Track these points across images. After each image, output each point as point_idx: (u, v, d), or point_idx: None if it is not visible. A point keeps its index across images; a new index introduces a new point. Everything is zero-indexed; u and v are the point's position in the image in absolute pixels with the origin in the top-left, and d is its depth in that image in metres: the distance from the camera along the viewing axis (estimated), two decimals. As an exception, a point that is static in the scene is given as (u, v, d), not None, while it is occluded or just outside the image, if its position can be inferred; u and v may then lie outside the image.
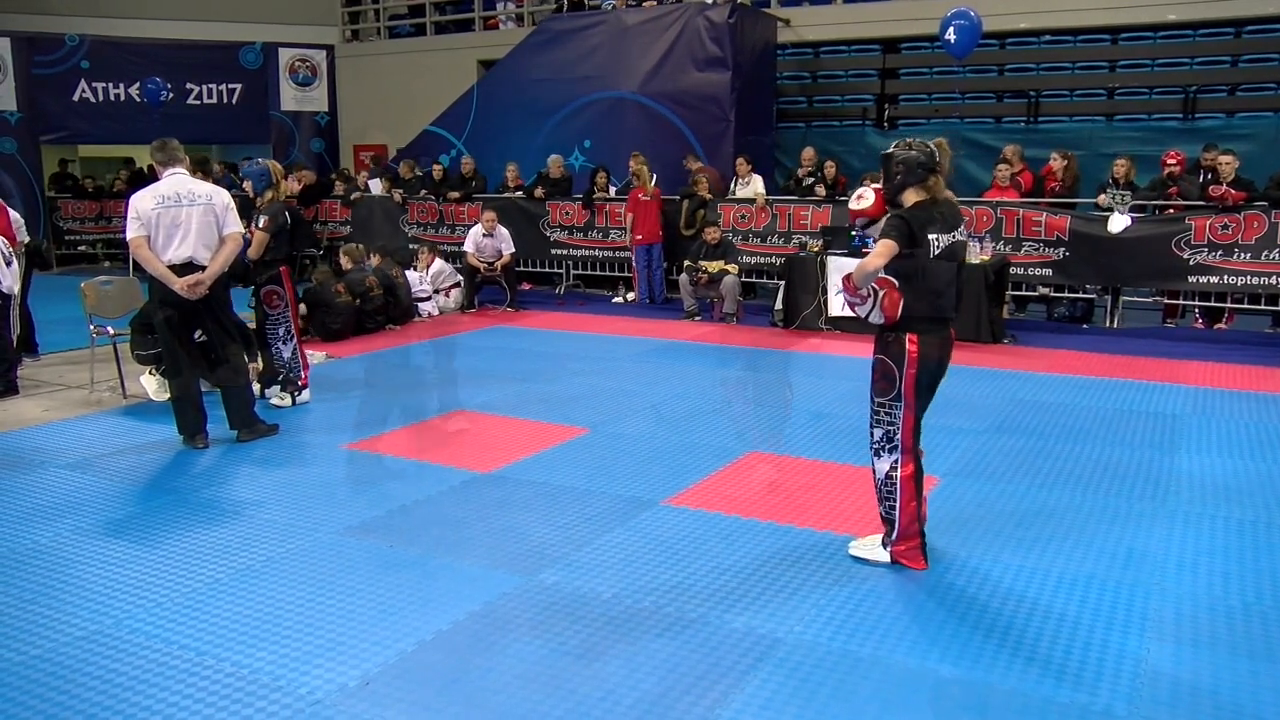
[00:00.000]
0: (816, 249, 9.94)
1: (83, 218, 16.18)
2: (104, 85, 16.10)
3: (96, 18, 16.33)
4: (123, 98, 16.13)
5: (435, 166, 13.83)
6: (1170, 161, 9.72)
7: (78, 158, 17.87)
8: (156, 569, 4.11)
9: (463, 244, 11.61)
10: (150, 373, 6.92)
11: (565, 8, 14.42)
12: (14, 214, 7.86)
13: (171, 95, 15.94)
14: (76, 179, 16.72)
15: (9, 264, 6.98)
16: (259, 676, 3.23)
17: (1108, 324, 10.06)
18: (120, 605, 3.77)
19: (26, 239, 8.09)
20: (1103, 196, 9.65)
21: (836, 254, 9.57)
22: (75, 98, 15.93)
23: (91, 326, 7.34)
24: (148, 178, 16.21)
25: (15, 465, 5.55)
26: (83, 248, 16.14)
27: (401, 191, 13.84)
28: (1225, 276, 9.16)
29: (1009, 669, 3.25)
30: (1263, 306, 9.52)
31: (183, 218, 5.58)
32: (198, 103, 16.65)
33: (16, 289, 7.15)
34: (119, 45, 16.02)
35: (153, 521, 4.68)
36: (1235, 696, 3.08)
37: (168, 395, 6.82)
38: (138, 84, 15.78)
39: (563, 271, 12.71)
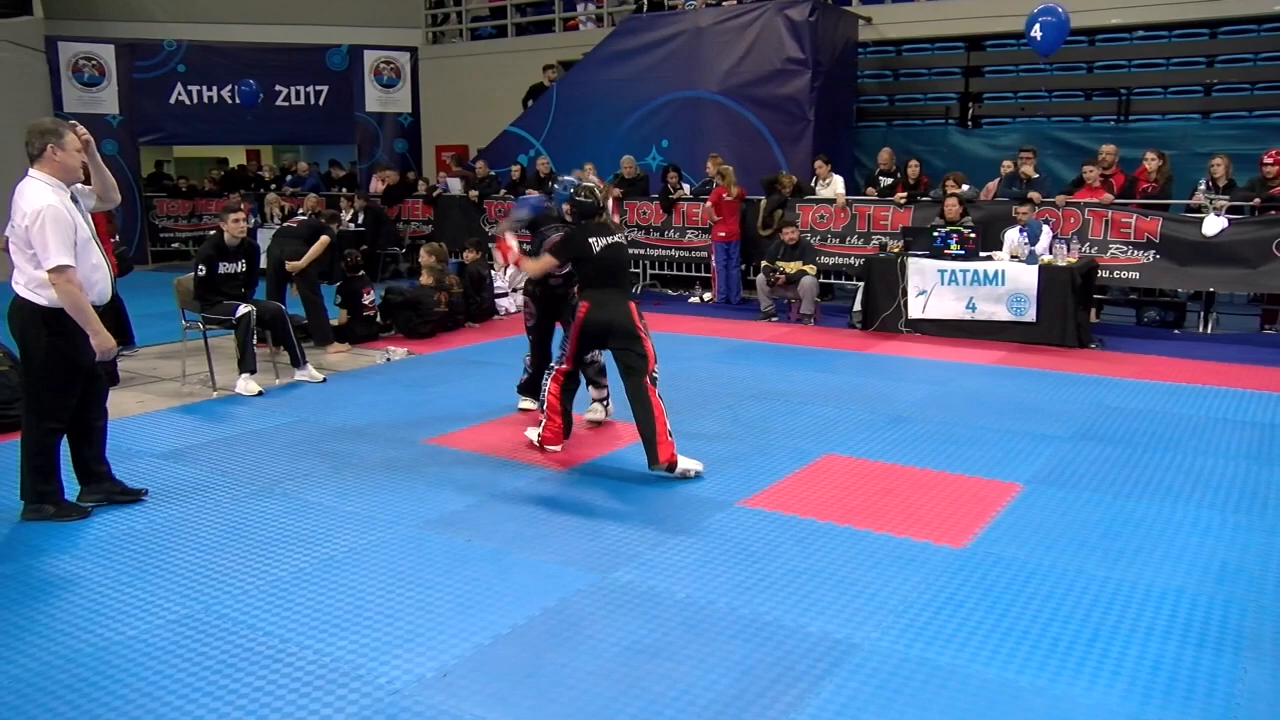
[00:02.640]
0: (897, 250, 9.80)
1: (176, 216, 16.76)
2: (198, 88, 16.66)
3: (193, 23, 16.91)
4: (215, 100, 16.66)
5: (514, 167, 14.00)
6: (1268, 162, 9.34)
7: (172, 158, 18.50)
8: (244, 557, 4.24)
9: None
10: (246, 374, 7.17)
11: (645, 8, 14.45)
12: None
13: (263, 97, 16.41)
14: (171, 179, 17.32)
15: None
16: (340, 665, 3.30)
17: (1200, 329, 9.71)
18: (210, 591, 3.90)
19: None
20: (1198, 195, 9.33)
21: (918, 255, 9.42)
22: (172, 100, 16.51)
23: (184, 321, 7.60)
24: (238, 177, 16.72)
25: (113, 454, 5.76)
26: (176, 245, 16.71)
27: (477, 192, 14.04)
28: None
29: (1093, 684, 3.16)
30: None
31: None
32: (286, 104, 17.11)
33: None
34: (213, 49, 16.56)
35: (240, 511, 4.82)
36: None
37: (258, 392, 7.07)
38: (230, 86, 16.29)
39: (639, 271, 12.75)
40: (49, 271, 4.37)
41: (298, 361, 7.62)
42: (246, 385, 7.16)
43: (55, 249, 4.35)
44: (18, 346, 4.64)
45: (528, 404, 6.66)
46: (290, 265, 8.56)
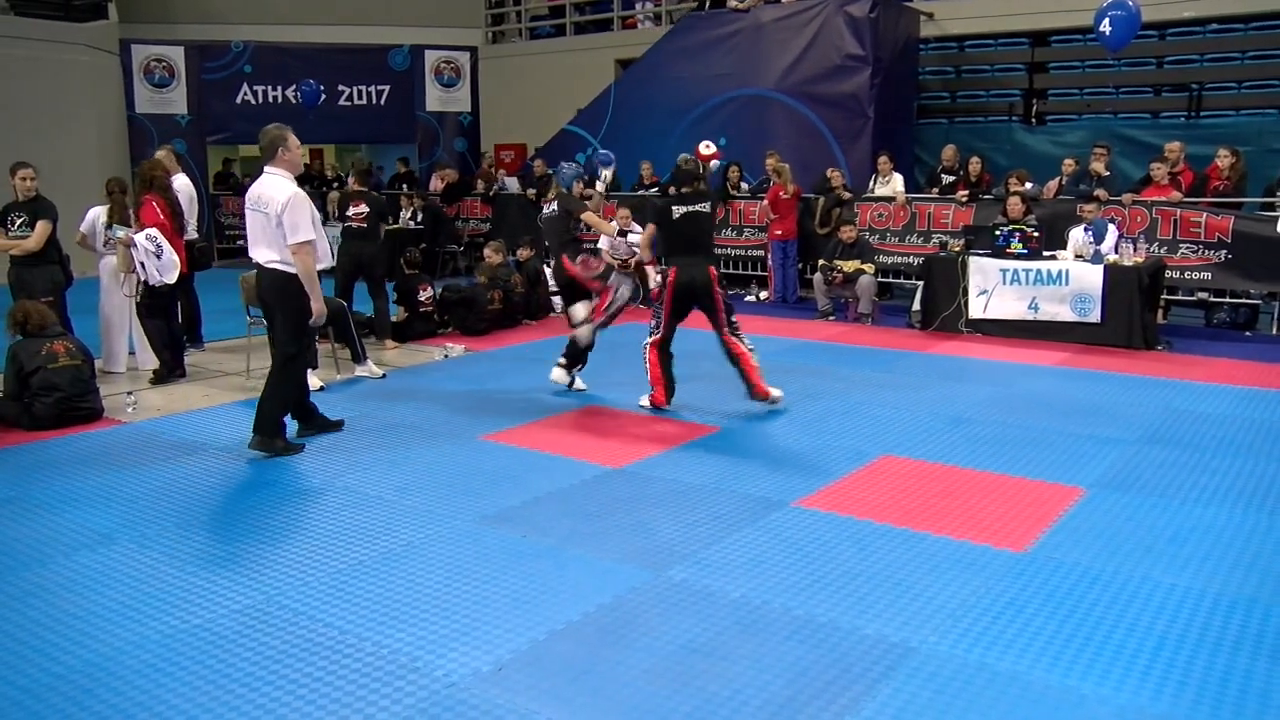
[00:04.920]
0: (958, 249, 9.65)
1: (242, 214, 17.07)
2: (264, 88, 16.98)
3: (260, 25, 17.28)
4: (280, 100, 16.97)
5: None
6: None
7: (239, 157, 18.89)
8: (306, 549, 4.32)
9: (596, 242, 11.75)
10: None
11: (705, 6, 14.42)
12: (183, 205, 8.05)
13: (324, 96, 16.69)
14: (237, 177, 17.69)
15: (159, 255, 7.27)
16: (398, 657, 3.35)
17: (1274, 331, 9.42)
18: (273, 582, 3.98)
19: (194, 235, 8.44)
20: None
21: (979, 254, 9.27)
22: (239, 100, 16.85)
23: (248, 317, 7.76)
24: (302, 175, 16.93)
25: (180, 446, 5.92)
26: (241, 242, 17.01)
27: (533, 190, 14.12)
28: None
29: (1159, 694, 3.08)
30: None
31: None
32: (349, 104, 17.37)
33: (172, 278, 7.34)
34: (279, 50, 16.87)
35: (302, 504, 4.92)
36: None
37: (320, 387, 7.19)
38: (294, 86, 16.59)
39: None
40: (299, 244, 5.44)
41: (358, 357, 7.74)
42: (309, 381, 7.26)
43: (305, 227, 5.44)
44: (272, 306, 5.65)
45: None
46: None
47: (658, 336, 6.50)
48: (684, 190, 6.52)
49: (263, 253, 5.60)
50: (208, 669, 3.29)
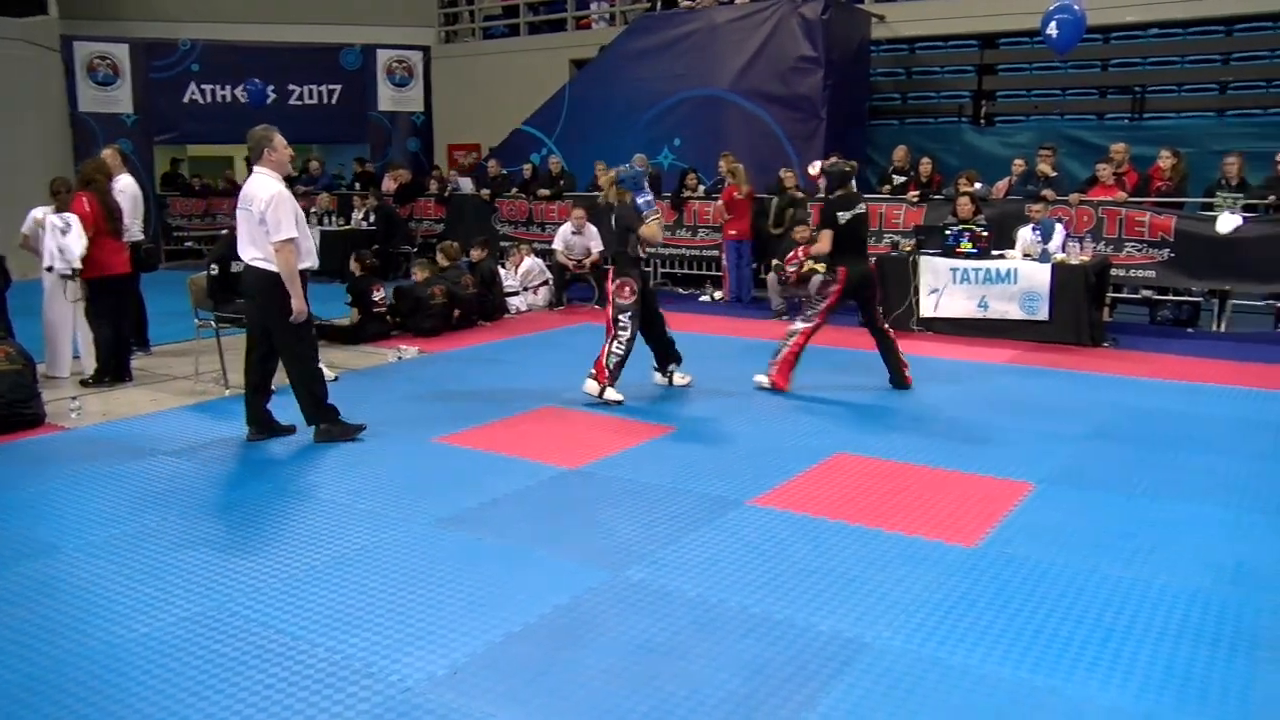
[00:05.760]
0: (909, 248, 9.76)
1: (190, 215, 16.84)
2: (212, 87, 16.73)
3: (208, 23, 17.00)
4: (229, 99, 16.72)
5: (525, 166, 14.02)
6: (1281, 160, 9.31)
7: (186, 157, 18.57)
8: (257, 555, 4.26)
9: (552, 242, 11.73)
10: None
11: (658, 6, 14.44)
12: (126, 206, 7.93)
13: (275, 96, 16.47)
14: (185, 178, 17.40)
15: (65, 233, 7.15)
16: (351, 662, 3.31)
17: (1215, 328, 9.65)
18: (223, 589, 3.91)
19: (139, 237, 8.28)
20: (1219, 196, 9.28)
21: (930, 253, 9.39)
22: (186, 99, 16.58)
23: (196, 320, 7.63)
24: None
25: (126, 452, 5.80)
26: (189, 244, 16.77)
27: (488, 190, 14.06)
28: (1346, 280, 8.72)
29: (1106, 684, 3.14)
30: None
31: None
32: (299, 103, 17.16)
33: (76, 261, 7.18)
34: (227, 49, 16.62)
35: (252, 509, 4.84)
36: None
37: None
38: (243, 85, 16.35)
39: (651, 269, 12.74)
40: (281, 242, 5.52)
41: (312, 360, 7.64)
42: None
43: (286, 225, 5.53)
44: (262, 305, 5.71)
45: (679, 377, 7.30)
46: None
47: (811, 326, 6.97)
48: (839, 193, 6.95)
49: (248, 250, 5.68)
50: (156, 679, 3.23)
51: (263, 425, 6.02)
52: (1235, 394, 6.96)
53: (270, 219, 5.52)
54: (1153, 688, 3.12)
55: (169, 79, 16.42)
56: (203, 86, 16.65)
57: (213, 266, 7.35)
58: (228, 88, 16.71)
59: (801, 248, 6.96)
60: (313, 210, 14.21)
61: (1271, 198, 9.21)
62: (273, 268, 5.61)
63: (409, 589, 3.88)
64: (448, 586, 3.90)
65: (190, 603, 3.79)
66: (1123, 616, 3.60)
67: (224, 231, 8.37)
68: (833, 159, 7.27)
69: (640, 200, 6.75)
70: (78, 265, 7.24)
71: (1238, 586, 3.85)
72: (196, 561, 4.19)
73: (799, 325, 7.04)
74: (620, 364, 6.82)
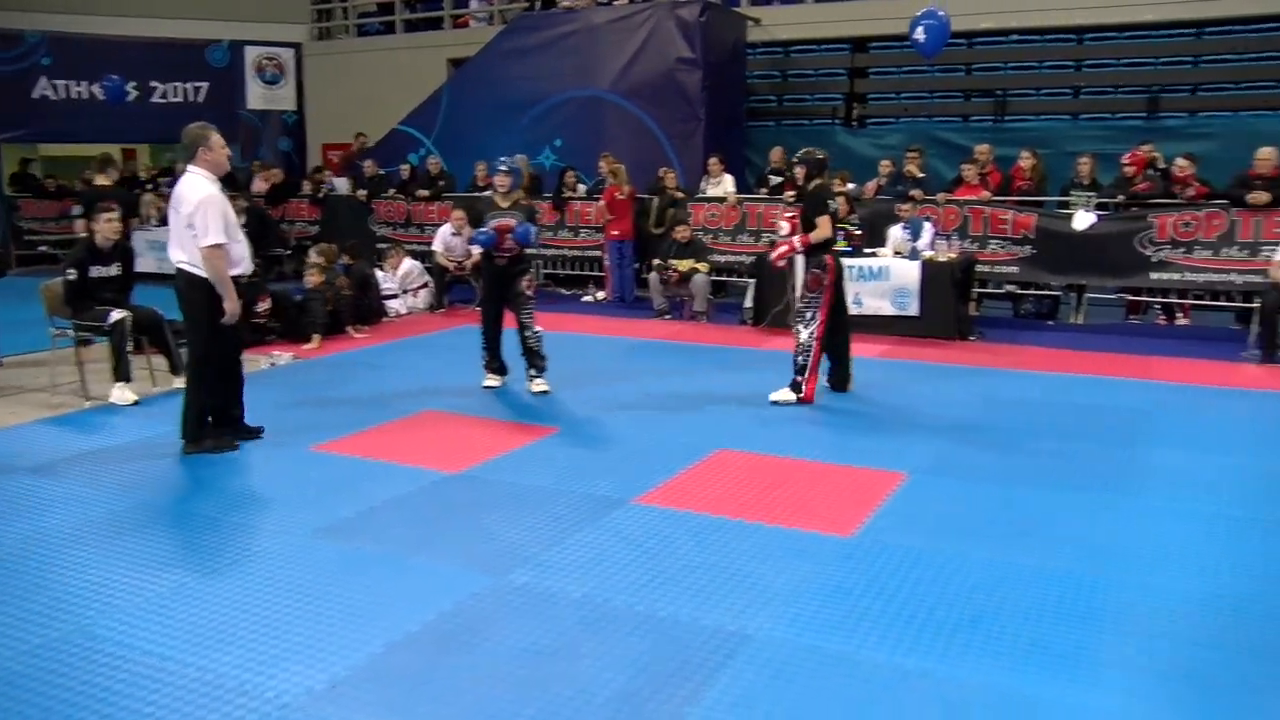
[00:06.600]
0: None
1: (44, 218, 15.91)
2: (66, 83, 15.87)
3: (62, 14, 16.07)
4: (85, 96, 15.91)
5: (404, 166, 13.76)
6: (1127, 162, 9.88)
7: (38, 156, 17.59)
8: (120, 574, 4.06)
9: (431, 243, 11.55)
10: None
11: (537, 6, 14.38)
12: None
13: (136, 94, 15.74)
14: (37, 178, 16.46)
15: None
16: (224, 681, 3.19)
17: (1073, 320, 10.18)
18: (83, 611, 3.72)
19: None
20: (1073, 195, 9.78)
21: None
22: (36, 95, 15.69)
23: (52, 329, 7.23)
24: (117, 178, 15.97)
25: (-25, 469, 5.46)
26: (43, 248, 15.87)
27: (365, 191, 13.75)
28: (1186, 273, 9.29)
29: (978, 664, 3.27)
30: (1222, 303, 9.70)
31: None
32: (163, 101, 16.46)
33: None
34: (81, 42, 15.79)
35: (117, 526, 4.61)
36: (1204, 686, 3.12)
37: (134, 401, 6.78)
38: (100, 82, 15.57)
39: (533, 270, 12.67)
40: (209, 248, 5.35)
41: (176, 369, 7.32)
42: (122, 394, 6.86)
43: (214, 230, 5.35)
44: (182, 308, 5.62)
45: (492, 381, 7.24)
46: None
47: (820, 325, 6.68)
48: (819, 181, 6.81)
49: (175, 253, 5.53)
50: (11, 715, 3.04)
51: (234, 431, 5.95)
52: (1091, 382, 7.34)
53: (199, 223, 5.34)
54: (1020, 664, 3.26)
55: (15, 73, 15.51)
56: (55, 82, 15.78)
57: (70, 271, 6.98)
58: (83, 84, 15.89)
59: (799, 237, 6.69)
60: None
61: (1121, 197, 9.76)
62: (199, 272, 5.43)
63: (285, 602, 3.76)
64: (326, 598, 3.79)
65: (45, 629, 3.58)
66: (992, 598, 3.75)
67: (82, 235, 7.93)
68: (805, 149, 7.07)
69: (476, 235, 6.94)
70: None
71: (1095, 563, 4.06)
72: (55, 583, 3.97)
73: (806, 332, 6.71)
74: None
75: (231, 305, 5.52)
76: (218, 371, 5.75)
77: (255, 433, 6.00)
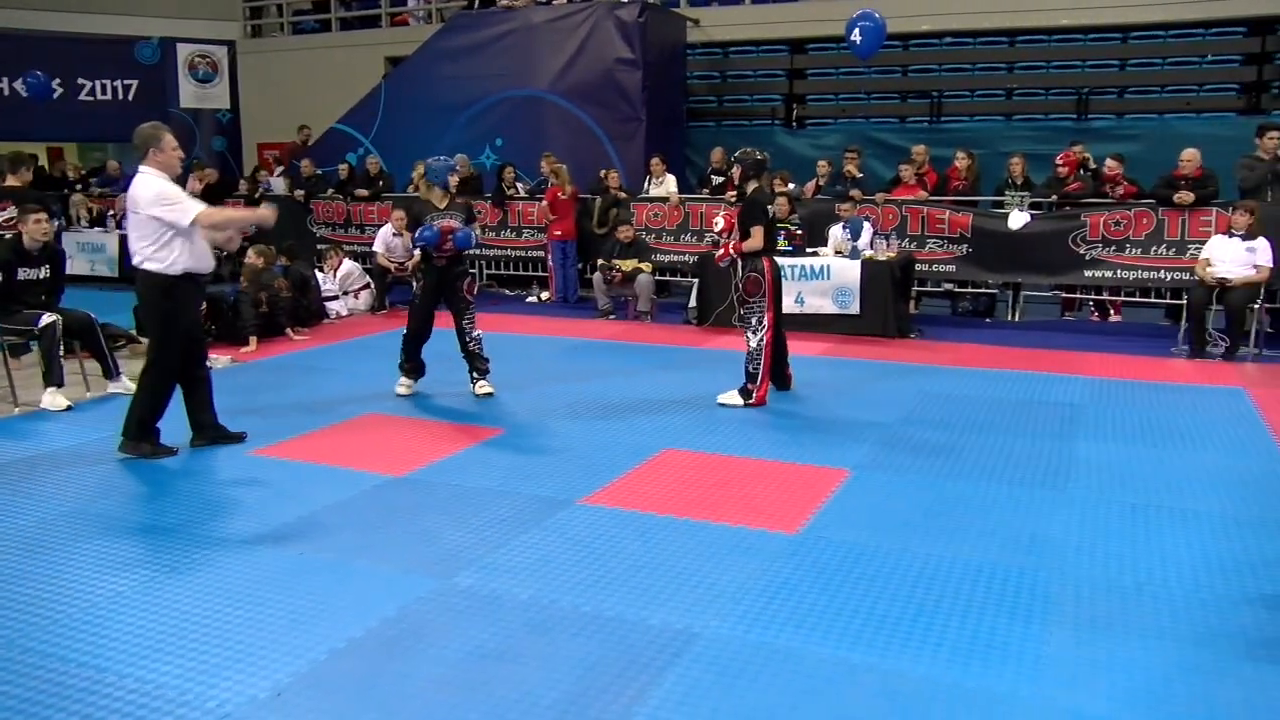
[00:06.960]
0: (729, 247, 10.01)
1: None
2: (-14, 80, 15.41)
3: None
4: (7, 92, 15.43)
5: (342, 166, 13.57)
6: (1060, 163, 10.13)
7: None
8: (53, 584, 3.94)
9: (371, 244, 11.42)
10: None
11: (475, 4, 14.28)
12: None
13: (61, 90, 15.31)
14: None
15: None
16: (164, 691, 3.12)
17: (1009, 318, 10.40)
18: (12, 623, 3.61)
19: None
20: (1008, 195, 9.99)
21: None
22: (-49, 91, 15.22)
23: (-23, 333, 7.00)
24: (41, 177, 15.59)
25: (-104, 480, 5.27)
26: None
27: (303, 191, 13.54)
28: (1118, 271, 9.55)
29: (919, 656, 3.33)
30: (1153, 300, 9.99)
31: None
32: (90, 98, 16.05)
33: None
34: (2, 37, 15.31)
35: (49, 535, 4.48)
36: (1130, 674, 3.22)
37: (67, 407, 6.60)
38: (22, 78, 15.11)
39: (475, 271, 12.59)
40: (198, 220, 5.32)
41: (110, 373, 7.14)
42: (53, 400, 6.67)
43: (188, 206, 5.33)
44: (140, 309, 5.73)
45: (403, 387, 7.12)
46: None
47: (770, 330, 6.64)
48: (756, 185, 6.76)
49: (135, 254, 5.47)
50: (-64, 726, 2.95)
51: (208, 432, 5.89)
52: (1027, 378, 7.51)
53: (169, 216, 5.29)
54: (960, 656, 3.33)
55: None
56: (-26, 79, 15.31)
57: None
58: (4, 80, 15.41)
59: (733, 243, 6.66)
60: (110, 214, 13.31)
61: (1054, 196, 9.99)
62: (158, 268, 5.37)
63: (225, 610, 3.69)
64: (267, 605, 3.73)
65: (-25, 641, 3.48)
66: (932, 591, 3.82)
67: (6, 235, 7.69)
68: (743, 148, 7.00)
69: (422, 232, 6.83)
70: None
71: (1030, 555, 4.16)
72: (-18, 596, 3.85)
73: (756, 339, 6.62)
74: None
75: (265, 212, 5.84)
76: (183, 379, 5.72)
77: (238, 437, 5.92)
